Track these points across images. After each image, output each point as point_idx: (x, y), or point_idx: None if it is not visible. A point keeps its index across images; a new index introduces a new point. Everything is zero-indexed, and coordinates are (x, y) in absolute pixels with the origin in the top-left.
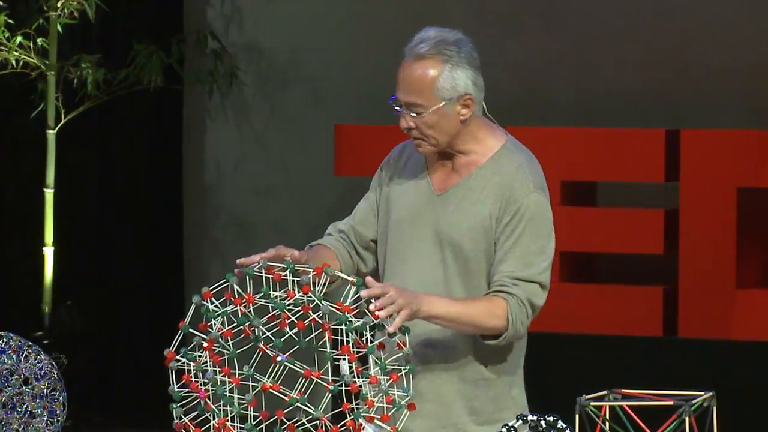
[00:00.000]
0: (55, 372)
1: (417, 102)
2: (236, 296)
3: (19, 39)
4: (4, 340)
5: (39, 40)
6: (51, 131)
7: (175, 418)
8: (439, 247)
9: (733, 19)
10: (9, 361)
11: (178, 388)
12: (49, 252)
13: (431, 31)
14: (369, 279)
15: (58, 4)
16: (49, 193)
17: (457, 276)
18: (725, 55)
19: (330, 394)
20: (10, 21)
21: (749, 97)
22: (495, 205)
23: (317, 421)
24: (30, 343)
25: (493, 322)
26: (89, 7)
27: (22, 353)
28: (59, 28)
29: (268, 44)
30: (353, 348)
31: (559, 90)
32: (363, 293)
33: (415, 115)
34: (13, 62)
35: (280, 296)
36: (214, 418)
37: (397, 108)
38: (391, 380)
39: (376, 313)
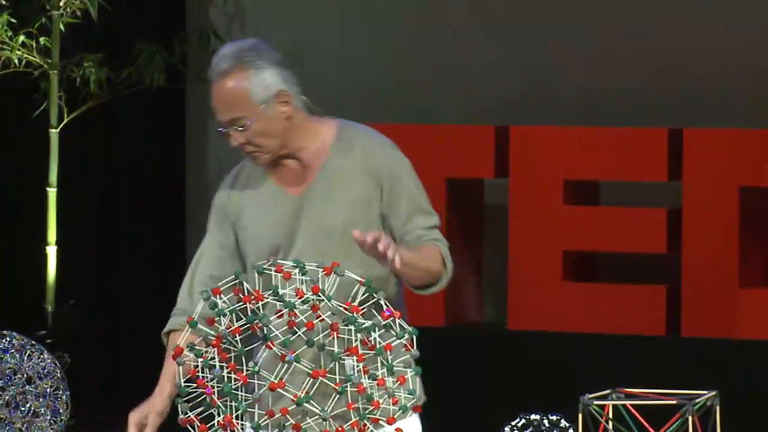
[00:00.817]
0: (58, 371)
1: (238, 115)
2: (245, 293)
3: (21, 38)
4: (8, 339)
5: (42, 39)
6: (54, 130)
7: (180, 413)
8: (328, 242)
9: (736, 18)
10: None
11: (184, 383)
12: (51, 251)
13: (226, 48)
14: (357, 232)
15: (61, 3)
16: (51, 192)
17: (355, 266)
18: (728, 54)
19: (337, 394)
20: (13, 20)
21: (752, 96)
22: (365, 180)
23: (323, 421)
24: (33, 342)
25: (437, 265)
26: (92, 6)
27: (25, 352)
28: (62, 27)
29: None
30: (361, 348)
31: (562, 89)
32: (369, 237)
33: (241, 128)
34: (16, 61)
35: (289, 294)
36: (219, 415)
37: (222, 130)
38: (398, 382)
39: (381, 249)
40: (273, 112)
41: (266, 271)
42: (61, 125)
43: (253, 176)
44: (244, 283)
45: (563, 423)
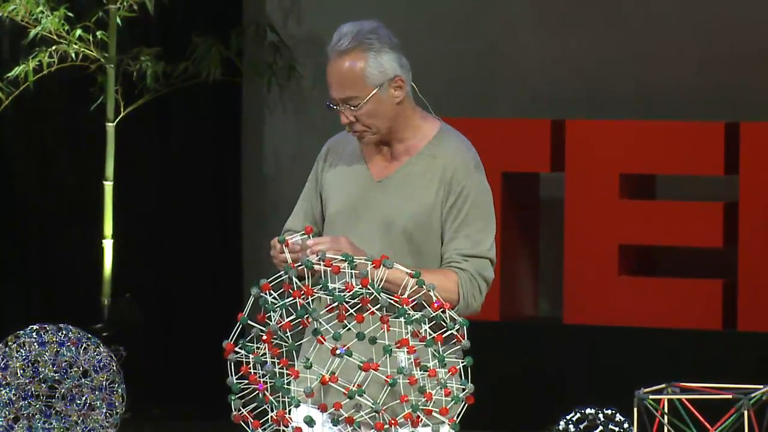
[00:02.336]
0: (114, 364)
1: (352, 95)
2: (295, 288)
3: (78, 32)
4: (64, 332)
5: (98, 33)
6: (110, 124)
7: (233, 410)
8: (387, 233)
9: None
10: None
11: (236, 380)
12: (108, 244)
13: (347, 27)
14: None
15: None
16: (108, 186)
17: (408, 259)
18: None
19: (389, 387)
20: (70, 14)
21: None
22: (438, 188)
23: (375, 413)
24: (89, 335)
25: (444, 294)
26: (148, 0)
27: (82, 345)
28: (119, 21)
29: (326, 37)
30: (412, 341)
31: (619, 83)
32: (309, 242)
33: (353, 108)
34: (73, 55)
35: (338, 288)
36: (272, 410)
37: (334, 107)
38: (450, 373)
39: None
40: (386, 96)
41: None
42: (118, 119)
43: (347, 150)
44: (294, 278)
45: (618, 417)
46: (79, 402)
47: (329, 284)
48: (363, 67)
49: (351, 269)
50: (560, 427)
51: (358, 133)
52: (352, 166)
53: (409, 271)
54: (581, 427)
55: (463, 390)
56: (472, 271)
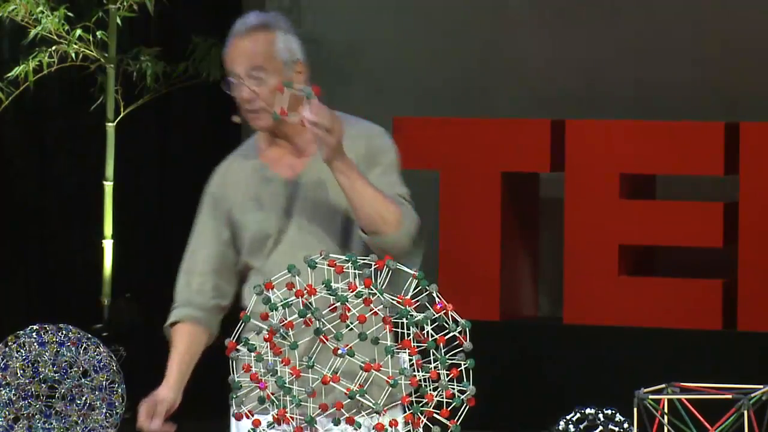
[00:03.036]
0: (114, 364)
1: (259, 64)
2: (298, 287)
3: (78, 32)
4: (64, 332)
5: (98, 33)
6: (110, 124)
7: (234, 407)
8: (329, 224)
9: None
10: (68, 354)
11: (238, 377)
12: (108, 244)
13: (253, 13)
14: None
15: None
16: (108, 186)
17: (339, 237)
18: None
19: (390, 388)
20: (70, 14)
21: None
22: (359, 163)
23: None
24: (89, 335)
25: (390, 214)
26: (148, 0)
27: (82, 345)
28: (119, 21)
29: (326, 37)
30: (414, 342)
31: (619, 83)
32: (314, 102)
33: (258, 80)
34: (73, 55)
35: (341, 288)
36: (273, 409)
37: (233, 81)
38: (451, 375)
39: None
40: (290, 77)
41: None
42: (118, 119)
43: (246, 164)
44: (297, 278)
45: (618, 417)
46: (79, 402)
47: (332, 284)
48: (273, 40)
49: (354, 269)
50: (560, 427)
51: (255, 113)
52: (257, 179)
53: (413, 271)
54: (581, 427)
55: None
56: (407, 205)
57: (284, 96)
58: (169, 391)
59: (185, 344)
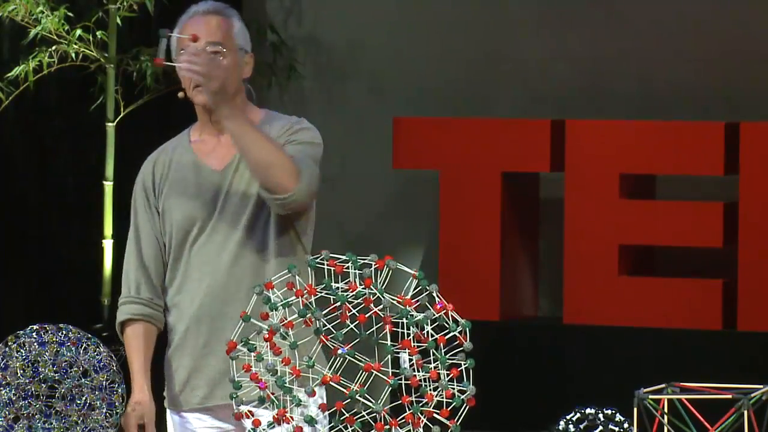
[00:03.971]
0: (114, 364)
1: (218, 40)
2: (298, 287)
3: (78, 32)
4: (64, 332)
5: (98, 33)
6: (110, 124)
7: (234, 407)
8: (253, 211)
9: None
10: (68, 353)
11: (238, 377)
12: (108, 244)
13: (209, 2)
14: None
15: None
16: (108, 186)
17: (271, 228)
18: None
19: (390, 388)
20: (70, 14)
21: None
22: (276, 138)
23: (376, 414)
24: (89, 335)
25: (283, 161)
26: (148, 0)
27: (82, 345)
28: (119, 21)
29: (326, 37)
30: (414, 342)
31: (619, 82)
32: (189, 48)
33: (214, 54)
34: (73, 55)
35: (341, 288)
36: (273, 409)
37: (186, 43)
38: (451, 375)
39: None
40: (241, 63)
41: (319, 266)
42: (118, 119)
43: (176, 154)
44: (297, 278)
45: (618, 417)
46: (79, 402)
47: (332, 284)
48: (233, 24)
49: (355, 269)
50: (560, 427)
51: (197, 87)
52: (187, 168)
53: (413, 271)
54: (581, 427)
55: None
56: (302, 162)
57: (161, 45)
58: (146, 395)
59: (145, 344)
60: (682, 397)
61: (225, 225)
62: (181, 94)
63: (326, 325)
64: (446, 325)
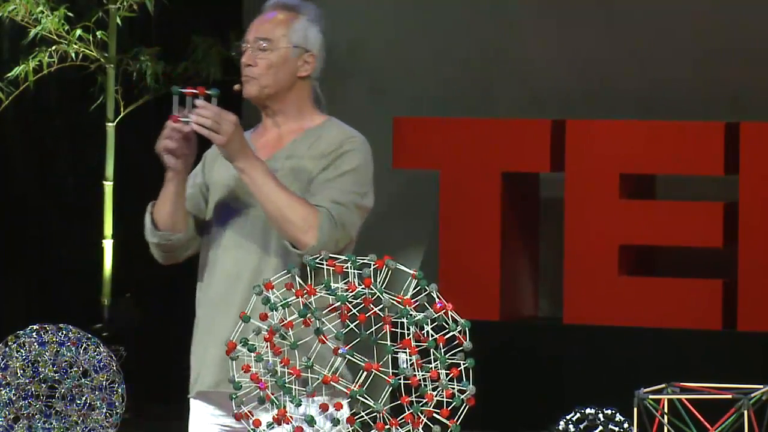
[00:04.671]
0: (114, 364)
1: (267, 36)
2: (297, 287)
3: (78, 32)
4: (64, 332)
5: (99, 33)
6: (110, 124)
7: (234, 407)
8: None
9: None
10: (68, 353)
11: (238, 377)
12: (108, 244)
13: None
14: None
15: None
16: (108, 186)
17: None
18: None
19: (390, 388)
20: (70, 14)
21: None
22: (320, 158)
23: (376, 414)
24: (89, 335)
25: (302, 215)
26: (148, 0)
27: (82, 345)
28: (119, 21)
29: (327, 37)
30: (414, 342)
31: (619, 82)
32: (198, 102)
33: (262, 50)
34: (73, 55)
35: (341, 288)
36: (273, 409)
37: (241, 44)
38: (451, 374)
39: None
40: (293, 61)
41: (318, 266)
42: (118, 119)
43: None
44: (296, 278)
45: (618, 417)
46: (79, 402)
47: (332, 284)
48: (291, 20)
49: (354, 269)
50: (560, 427)
51: (247, 78)
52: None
53: (412, 271)
54: (581, 427)
55: (464, 392)
56: (333, 213)
57: (174, 102)
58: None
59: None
60: (682, 397)
61: (255, 214)
62: (237, 87)
63: (326, 325)
64: (446, 324)
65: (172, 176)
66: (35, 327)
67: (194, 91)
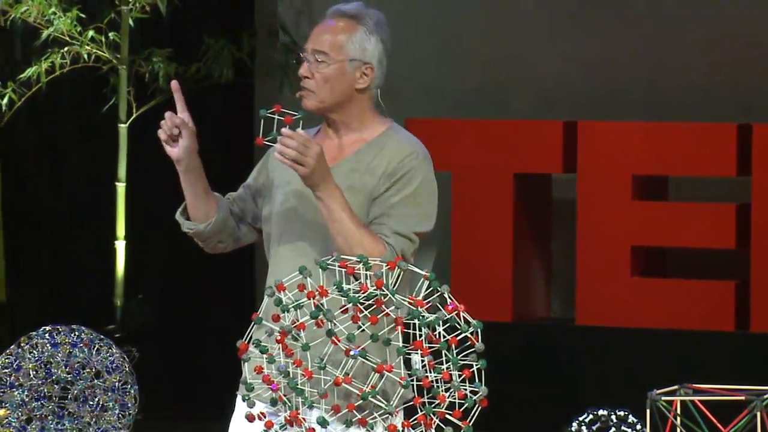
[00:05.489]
0: (127, 365)
1: (323, 50)
2: (309, 288)
3: (91, 33)
4: (76, 333)
5: (111, 34)
6: (123, 125)
7: (247, 408)
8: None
9: None
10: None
11: (250, 379)
12: (120, 245)
13: (357, 3)
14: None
15: None
16: (120, 187)
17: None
18: None
19: (402, 389)
20: (82, 15)
21: None
22: (382, 174)
23: (389, 415)
24: (102, 336)
25: (369, 253)
26: (161, 1)
27: (94, 346)
28: (131, 22)
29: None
30: (426, 343)
31: (631, 84)
32: (285, 131)
33: (317, 63)
34: (85, 56)
35: (353, 289)
36: (285, 411)
37: (301, 54)
38: (463, 376)
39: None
40: (351, 73)
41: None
42: (130, 120)
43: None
44: (308, 279)
45: (631, 418)
46: (91, 403)
47: (343, 285)
48: (349, 32)
49: (366, 270)
50: (573, 429)
51: (305, 92)
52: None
53: (424, 272)
54: (594, 428)
55: (477, 393)
56: (397, 248)
57: (261, 125)
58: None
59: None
60: (695, 398)
61: (311, 223)
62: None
63: (338, 327)
64: (458, 326)
65: (179, 167)
66: (48, 328)
67: (279, 117)
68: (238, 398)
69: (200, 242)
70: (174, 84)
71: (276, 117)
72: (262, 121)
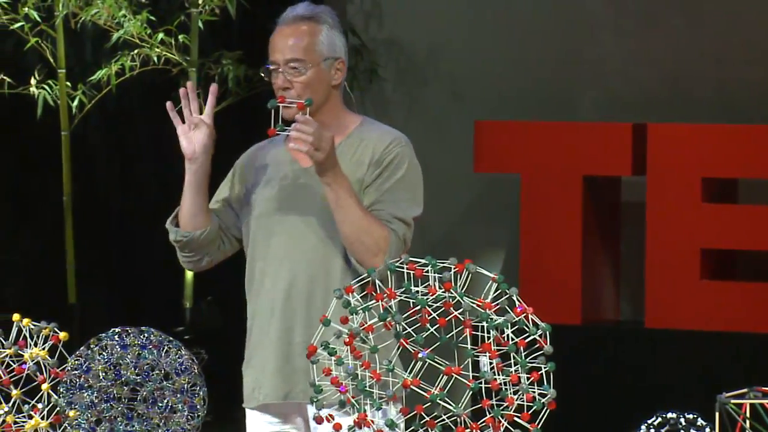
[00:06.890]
0: (196, 367)
1: (298, 57)
2: (378, 291)
3: (160, 36)
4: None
5: (180, 37)
6: None
7: (315, 411)
8: (324, 214)
9: None
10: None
11: (319, 381)
12: None
13: (303, 4)
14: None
15: (200, 1)
16: None
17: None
18: None
19: (470, 391)
20: (152, 18)
21: None
22: (368, 165)
23: (457, 418)
24: (171, 338)
25: (375, 239)
26: (230, 3)
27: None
28: (200, 24)
29: (407, 40)
30: (494, 345)
31: (701, 85)
32: (299, 117)
33: (294, 72)
34: (155, 59)
35: (421, 292)
36: (354, 413)
37: (270, 68)
38: (532, 378)
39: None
40: (327, 72)
41: (399, 269)
42: None
43: (269, 154)
44: (377, 281)
45: (700, 422)
46: (160, 405)
47: (412, 287)
48: (317, 34)
49: (434, 273)
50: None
51: (286, 103)
52: (278, 165)
53: (493, 275)
54: (662, 431)
55: (545, 395)
56: (399, 233)
57: (273, 115)
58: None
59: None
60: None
61: (299, 221)
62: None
63: (406, 329)
64: (526, 328)
65: (187, 165)
66: (117, 330)
67: (292, 107)
68: (249, 413)
69: (188, 254)
70: (188, 88)
71: (282, 106)
72: (272, 111)
